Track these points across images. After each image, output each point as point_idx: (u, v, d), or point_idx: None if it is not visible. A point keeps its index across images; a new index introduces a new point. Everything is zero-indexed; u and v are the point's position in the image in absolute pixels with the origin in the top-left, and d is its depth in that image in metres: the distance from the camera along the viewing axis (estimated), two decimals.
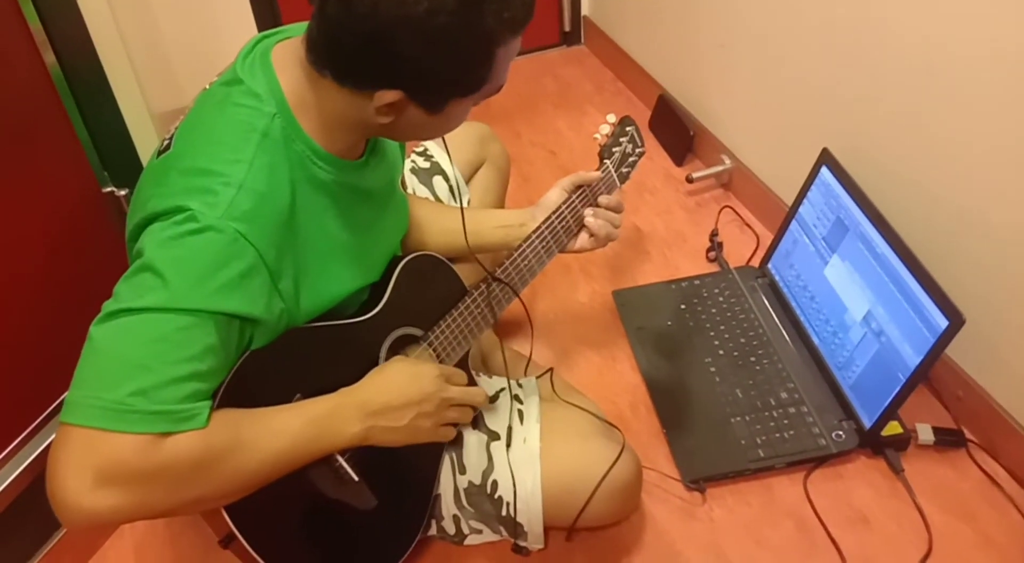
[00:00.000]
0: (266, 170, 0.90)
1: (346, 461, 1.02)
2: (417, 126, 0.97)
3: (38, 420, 1.20)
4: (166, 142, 0.96)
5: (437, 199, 1.47)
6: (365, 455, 1.03)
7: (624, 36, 2.45)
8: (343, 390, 1.01)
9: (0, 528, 1.15)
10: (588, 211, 1.31)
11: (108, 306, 0.85)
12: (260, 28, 2.21)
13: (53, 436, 1.17)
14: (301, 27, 1.02)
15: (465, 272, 1.26)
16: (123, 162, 1.26)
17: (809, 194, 1.54)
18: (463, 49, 0.87)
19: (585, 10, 2.65)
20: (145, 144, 1.29)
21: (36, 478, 1.18)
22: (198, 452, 0.84)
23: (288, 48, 0.96)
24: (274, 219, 0.91)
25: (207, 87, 1.02)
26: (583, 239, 1.33)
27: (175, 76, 2.09)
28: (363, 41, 0.85)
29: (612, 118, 1.45)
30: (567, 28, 2.67)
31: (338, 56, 0.89)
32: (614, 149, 1.41)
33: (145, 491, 0.82)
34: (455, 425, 1.14)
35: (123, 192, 1.26)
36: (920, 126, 1.35)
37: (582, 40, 2.70)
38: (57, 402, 1.23)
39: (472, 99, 0.95)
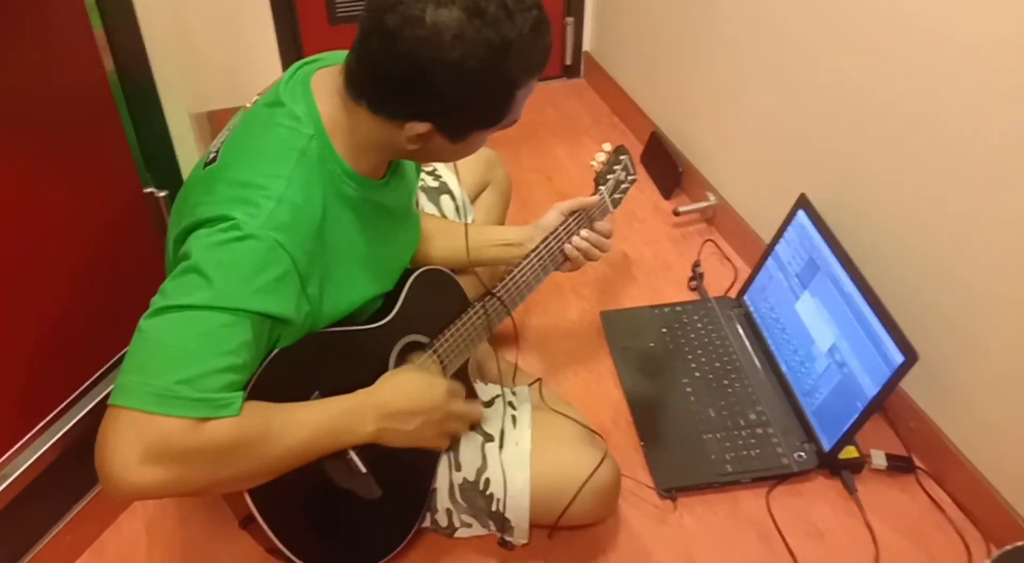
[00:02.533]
0: (302, 186, 1.00)
1: (356, 455, 1.12)
2: (440, 152, 1.07)
3: (68, 399, 1.28)
4: (212, 155, 1.06)
5: (443, 217, 1.57)
6: (373, 450, 1.12)
7: (622, 73, 2.56)
8: (361, 391, 1.10)
9: (27, 497, 1.22)
10: (582, 233, 1.42)
11: (156, 302, 0.93)
12: (281, 45, 2.32)
13: (82, 414, 1.27)
14: (337, 55, 1.11)
15: (466, 284, 1.36)
16: (164, 165, 1.35)
17: (786, 234, 1.65)
18: (488, 90, 0.98)
19: (586, 45, 2.75)
20: (183, 150, 1.39)
21: (63, 452, 1.26)
22: (232, 437, 0.93)
23: (327, 76, 1.05)
24: (307, 230, 1.00)
25: (247, 106, 1.12)
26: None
27: (199, 84, 2.19)
28: (399, 79, 0.95)
29: (608, 147, 1.55)
30: (568, 62, 2.77)
31: (376, 89, 0.98)
32: (608, 176, 1.52)
33: (185, 469, 0.91)
34: (452, 435, 1.24)
35: (163, 194, 1.35)
36: (891, 181, 1.46)
37: (582, 74, 2.80)
38: (90, 380, 1.31)
39: (491, 130, 1.06)
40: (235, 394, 0.94)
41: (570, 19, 2.66)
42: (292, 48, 2.34)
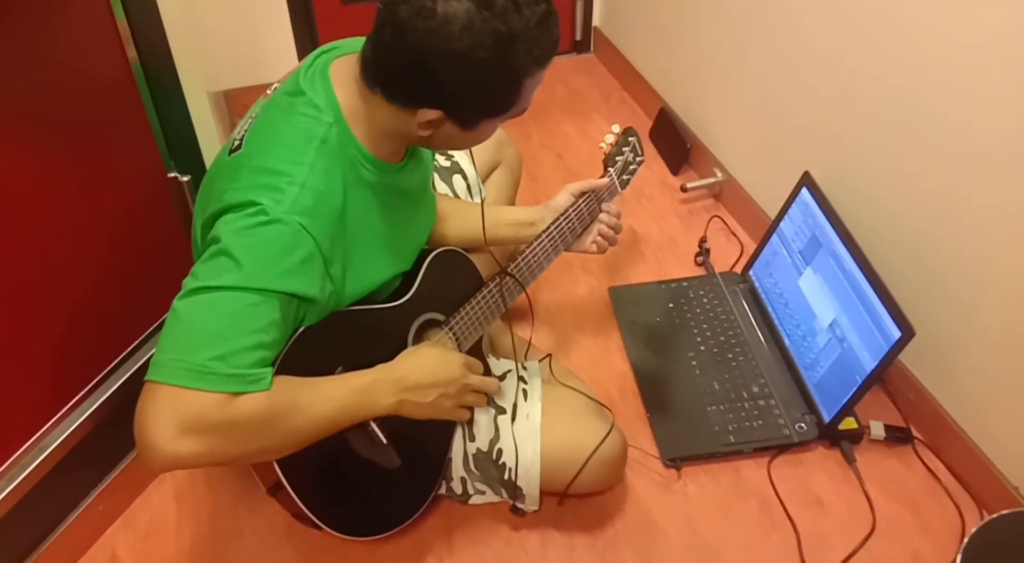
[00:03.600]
0: (324, 172, 1.04)
1: (377, 427, 1.18)
2: (451, 139, 1.11)
3: (99, 375, 1.34)
4: (236, 142, 1.10)
5: (456, 196, 1.61)
6: (393, 422, 1.18)
7: (631, 49, 2.57)
8: (381, 366, 1.16)
9: (61, 470, 1.29)
10: (602, 217, 1.48)
11: (188, 284, 0.98)
12: (294, 24, 2.35)
13: (112, 389, 1.33)
14: (353, 43, 1.15)
15: (479, 262, 1.41)
16: (187, 151, 1.39)
17: (790, 211, 1.68)
18: (496, 79, 1.02)
19: (596, 21, 2.75)
20: (203, 132, 1.43)
21: (95, 426, 1.32)
22: (263, 410, 0.98)
23: (344, 65, 1.09)
24: (329, 214, 1.05)
25: (268, 93, 1.16)
26: (587, 245, 1.49)
27: (214, 64, 2.23)
28: (412, 67, 0.99)
29: (616, 128, 1.59)
30: (578, 37, 2.77)
31: (389, 78, 1.03)
32: (617, 158, 1.56)
33: (218, 441, 0.96)
34: (470, 407, 1.29)
35: (186, 178, 1.39)
36: (892, 161, 1.50)
37: (591, 49, 2.80)
38: (120, 357, 1.37)
39: (501, 119, 1.10)
40: (265, 370, 0.99)
41: None
42: (305, 27, 2.36)
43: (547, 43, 1.02)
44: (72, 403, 1.31)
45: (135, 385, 1.34)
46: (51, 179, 1.20)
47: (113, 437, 1.37)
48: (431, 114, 1.04)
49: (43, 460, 1.25)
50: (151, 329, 1.41)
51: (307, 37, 2.37)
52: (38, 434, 1.26)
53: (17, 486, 1.21)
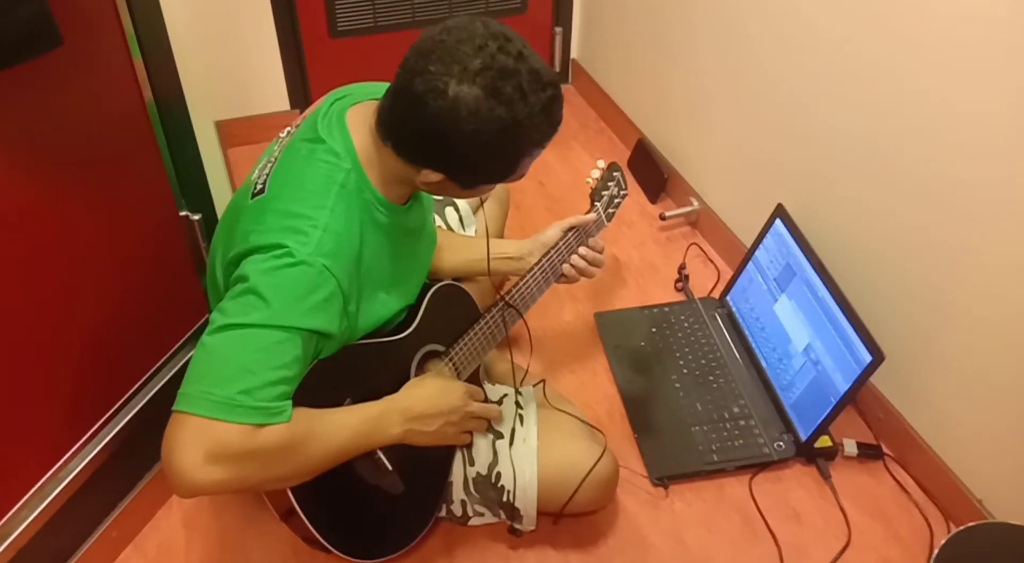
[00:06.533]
0: (343, 215, 1.11)
1: (383, 455, 1.24)
2: (451, 194, 1.20)
3: (114, 406, 1.39)
4: (259, 186, 1.16)
5: (448, 227, 1.68)
6: (397, 450, 1.25)
7: (608, 81, 2.64)
8: (388, 398, 1.22)
9: (78, 498, 1.33)
10: (581, 250, 1.54)
11: (217, 320, 1.04)
12: (284, 58, 2.40)
13: (126, 419, 1.38)
14: (363, 89, 1.22)
15: (473, 290, 1.48)
16: (197, 190, 1.44)
17: (764, 241, 1.77)
18: (497, 158, 1.10)
19: (574, 53, 2.82)
20: (210, 171, 1.48)
21: (109, 456, 1.37)
22: (284, 440, 1.04)
23: (360, 112, 1.17)
24: (349, 254, 1.11)
25: (282, 136, 1.23)
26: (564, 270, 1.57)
27: (207, 96, 2.28)
28: (420, 135, 1.07)
29: (602, 164, 1.67)
30: (556, 69, 2.82)
31: (399, 137, 1.11)
32: (603, 192, 1.63)
33: (242, 469, 1.02)
34: (472, 433, 1.36)
35: (196, 216, 1.44)
36: (860, 196, 1.58)
37: (569, 80, 2.87)
38: (132, 390, 1.41)
39: (499, 183, 1.18)
40: (286, 402, 1.05)
41: (558, 29, 2.73)
42: (295, 61, 2.41)
43: (549, 128, 1.10)
44: (88, 435, 1.35)
45: (146, 416, 1.40)
46: (70, 216, 1.24)
47: (125, 467, 1.41)
48: (434, 176, 1.12)
49: (61, 490, 1.29)
50: (162, 361, 1.46)
51: (296, 70, 2.42)
52: (56, 466, 1.30)
53: (37, 516, 1.25)
